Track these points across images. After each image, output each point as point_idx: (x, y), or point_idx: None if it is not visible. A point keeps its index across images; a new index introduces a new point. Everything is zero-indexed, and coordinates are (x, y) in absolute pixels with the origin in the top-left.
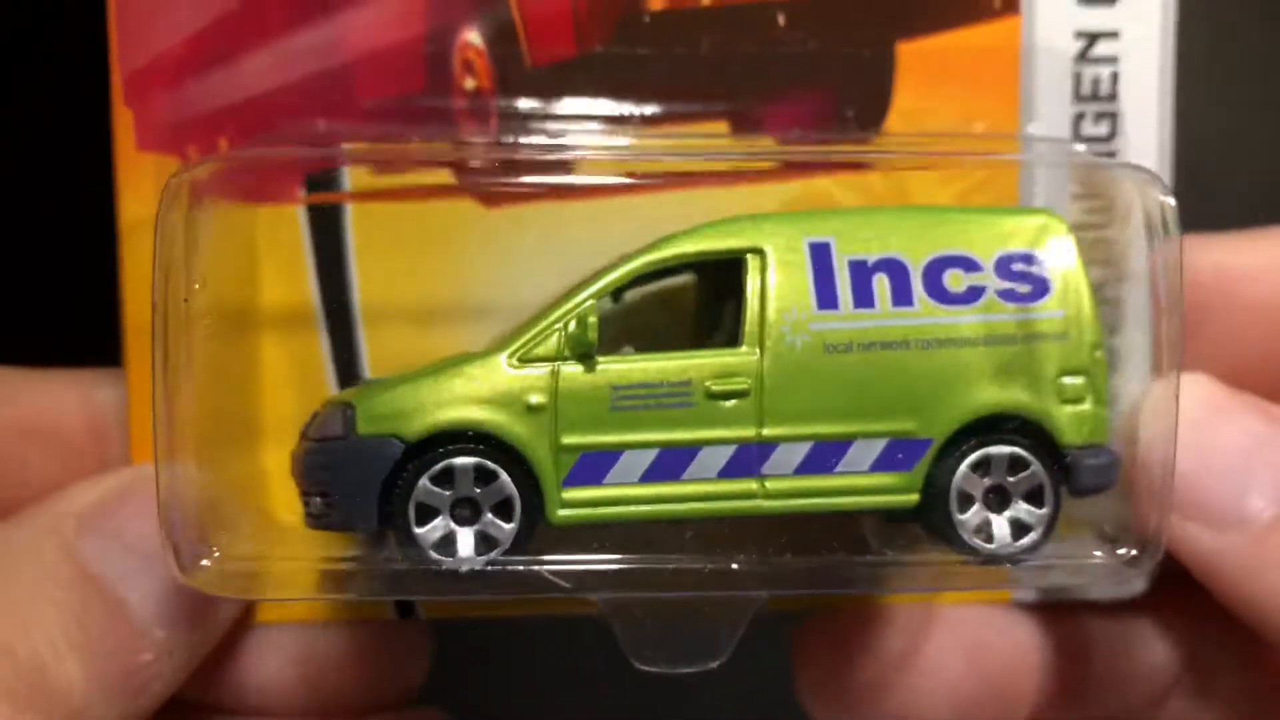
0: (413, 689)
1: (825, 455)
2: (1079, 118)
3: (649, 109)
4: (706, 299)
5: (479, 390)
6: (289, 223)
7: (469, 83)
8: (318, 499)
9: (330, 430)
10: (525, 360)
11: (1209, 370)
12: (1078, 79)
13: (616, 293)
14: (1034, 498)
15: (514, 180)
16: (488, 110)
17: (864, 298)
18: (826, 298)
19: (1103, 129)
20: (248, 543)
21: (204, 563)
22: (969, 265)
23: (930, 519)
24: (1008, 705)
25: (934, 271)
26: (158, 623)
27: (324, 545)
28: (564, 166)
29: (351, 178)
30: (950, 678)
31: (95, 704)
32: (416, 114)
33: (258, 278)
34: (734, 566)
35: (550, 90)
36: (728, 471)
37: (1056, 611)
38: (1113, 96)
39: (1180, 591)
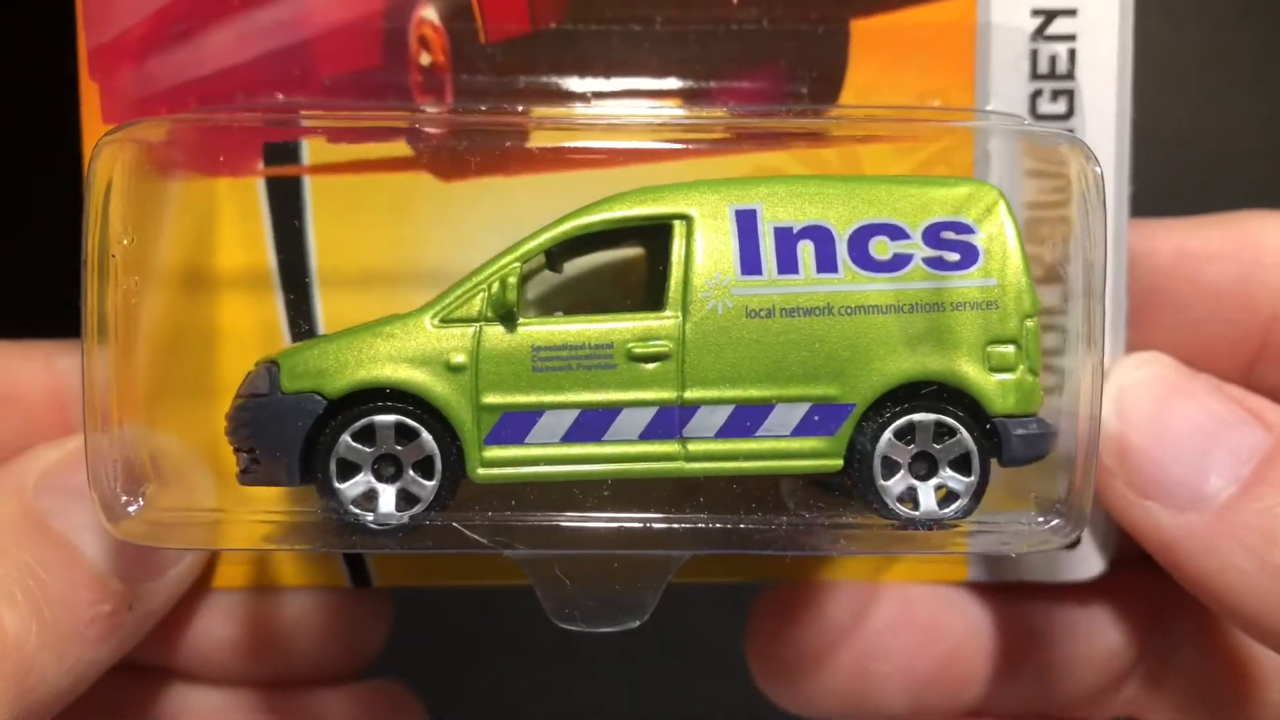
0: (369, 657)
1: (747, 418)
2: (1036, 95)
3: (602, 84)
4: (651, 270)
5: (401, 349)
6: (249, 194)
7: (425, 58)
8: (245, 455)
9: (256, 388)
10: (448, 321)
11: (1170, 353)
12: (1034, 56)
13: (554, 261)
14: (961, 465)
15: (469, 148)
16: (443, 85)
17: (788, 264)
18: (750, 263)
19: (1060, 106)
20: (180, 496)
21: (130, 511)
22: (896, 233)
23: (854, 484)
24: (960, 685)
25: (860, 239)
26: (116, 574)
27: (270, 501)
28: (518, 134)
29: (310, 151)
30: (902, 656)
31: (48, 652)
32: (374, 89)
33: (215, 244)
34: (653, 526)
35: (505, 66)
36: (649, 433)
37: (1013, 593)
38: (1070, 75)
39: (1137, 575)
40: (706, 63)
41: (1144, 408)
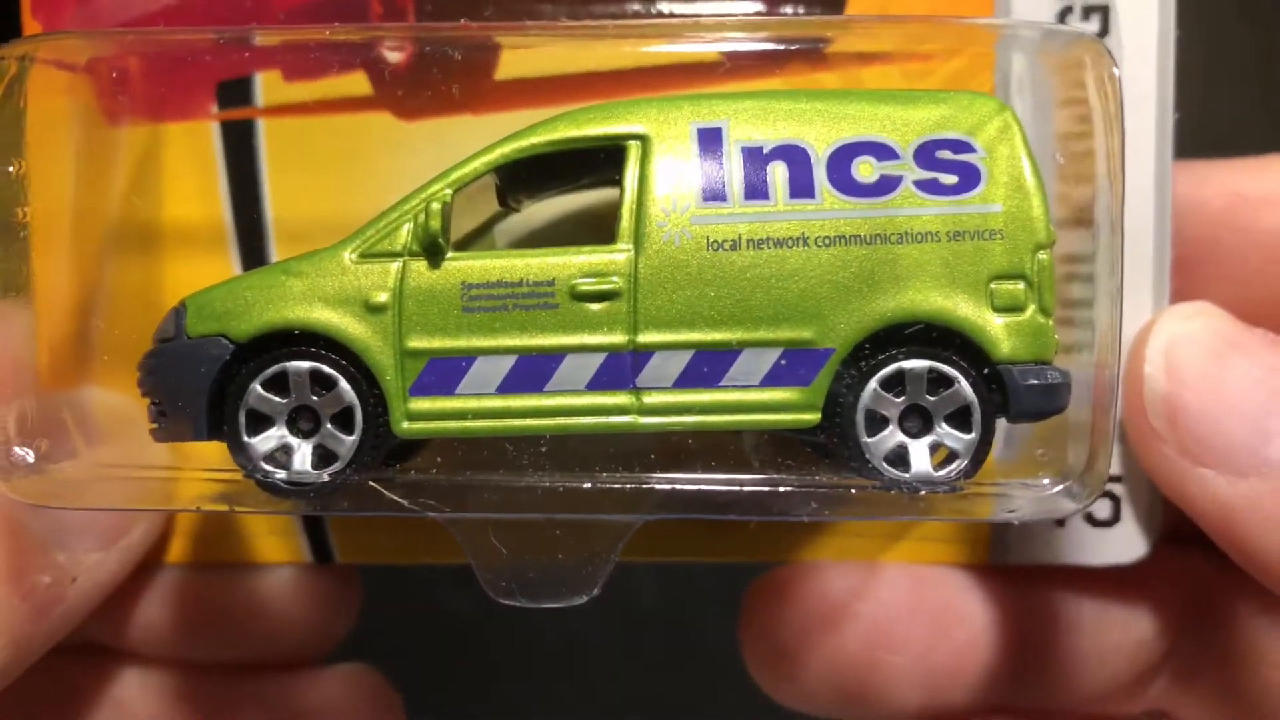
0: (335, 639)
1: (709, 366)
2: (1065, 12)
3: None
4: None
5: (316, 287)
6: (200, 136)
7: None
8: (154, 407)
9: (164, 332)
10: (369, 255)
11: (1221, 306)
12: (1067, 10)
13: (505, 196)
14: (960, 420)
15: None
16: (405, 15)
17: (757, 189)
18: (714, 189)
19: (1093, 26)
20: (83, 453)
21: (22, 468)
22: (883, 152)
23: (833, 441)
24: (978, 679)
25: (841, 159)
26: (58, 545)
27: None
28: (488, 48)
29: (264, 90)
30: (915, 647)
31: None
32: (333, 19)
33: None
34: (600, 486)
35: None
36: (598, 383)
37: (1035, 578)
38: None
39: (1168, 558)
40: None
41: (1197, 365)
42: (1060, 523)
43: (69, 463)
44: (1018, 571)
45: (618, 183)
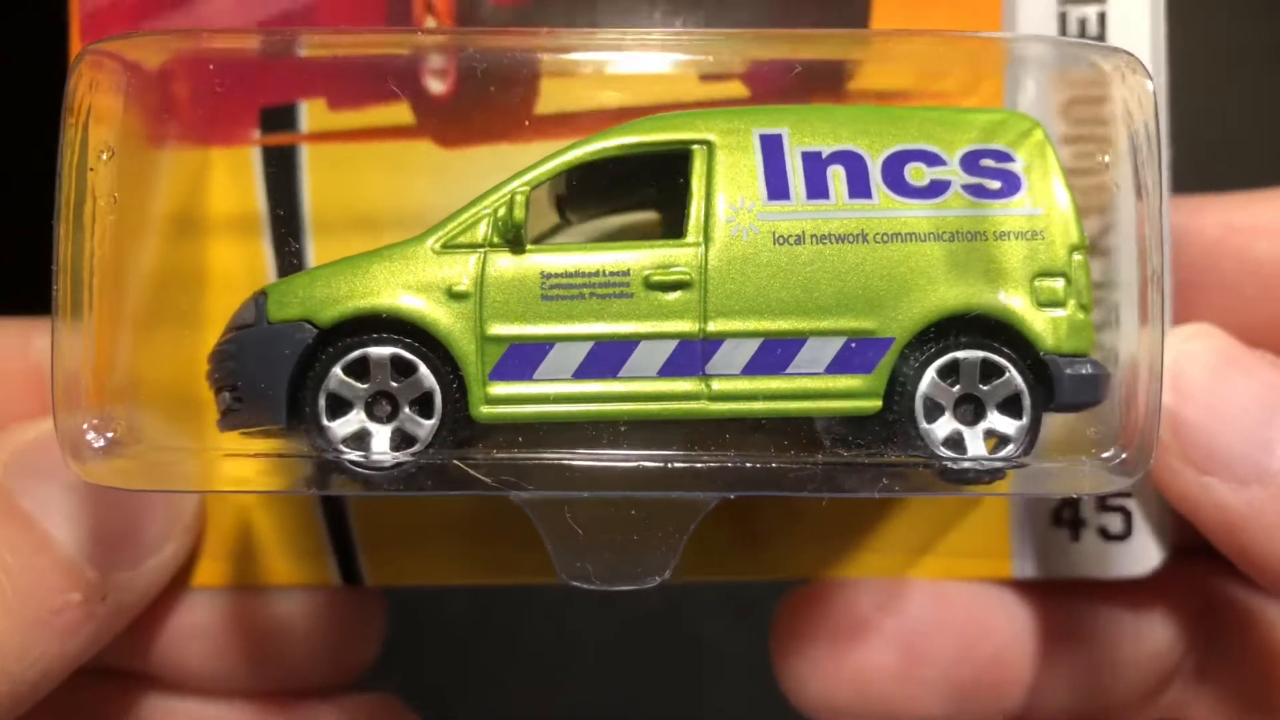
0: (362, 665)
1: (776, 353)
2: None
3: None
4: (666, 216)
5: (399, 276)
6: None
7: (430, 22)
8: (228, 394)
9: (242, 319)
10: (450, 247)
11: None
12: (1063, 19)
13: (564, 208)
14: (1011, 408)
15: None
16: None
17: (818, 189)
18: (777, 188)
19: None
20: (152, 436)
21: (97, 447)
22: (932, 159)
23: (894, 427)
24: (1003, 690)
25: (894, 164)
26: (89, 563)
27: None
28: (531, 66)
29: (309, 117)
30: (943, 660)
31: (12, 640)
32: None
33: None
34: (674, 465)
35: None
36: (669, 369)
37: (1054, 591)
38: (1100, 39)
39: (1180, 570)
40: (726, 23)
41: (1200, 380)
42: (1076, 534)
43: (141, 446)
44: (1037, 586)
45: (661, 195)
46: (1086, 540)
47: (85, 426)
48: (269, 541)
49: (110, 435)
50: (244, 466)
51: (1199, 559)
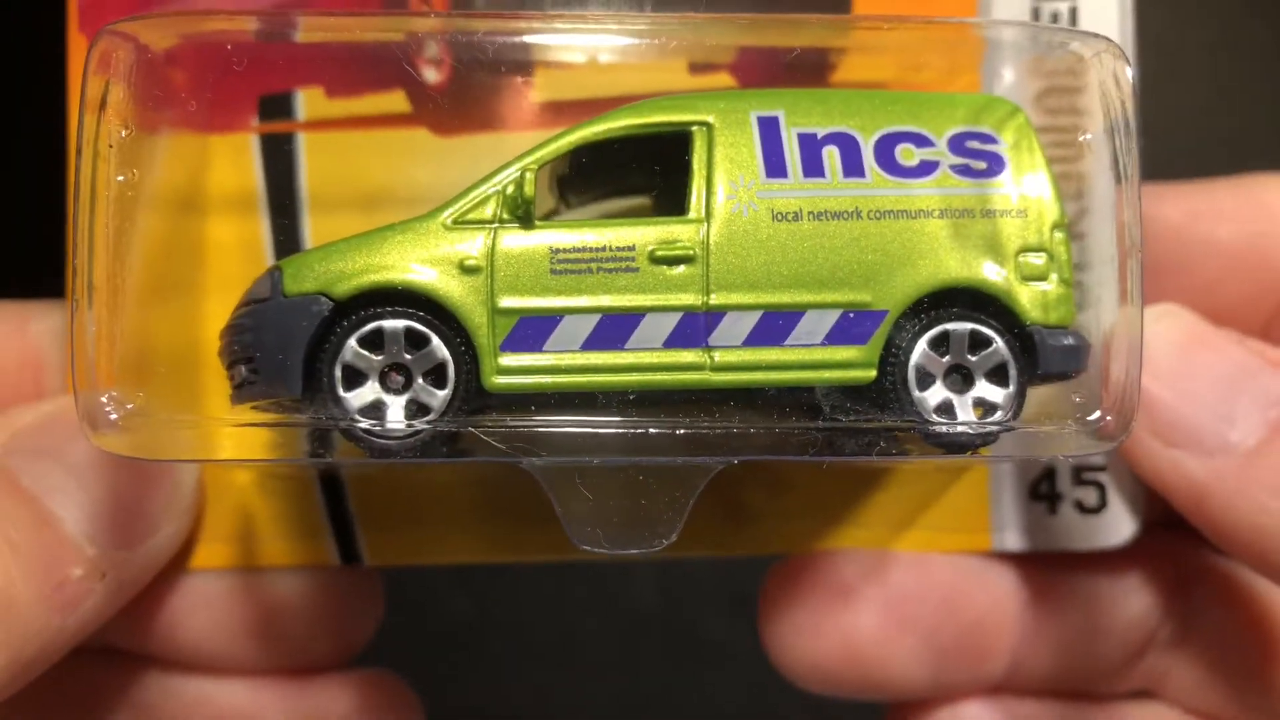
0: (359, 643)
1: (776, 325)
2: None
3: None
4: (663, 199)
5: (412, 251)
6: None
7: (424, 8)
8: (242, 366)
9: (257, 293)
10: (461, 223)
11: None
12: (1036, 15)
13: (565, 191)
14: (998, 376)
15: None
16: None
17: (814, 168)
18: (775, 166)
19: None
20: (165, 405)
21: (113, 419)
22: (921, 141)
23: (888, 395)
24: (984, 659)
25: (886, 145)
26: (89, 540)
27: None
28: (523, 49)
29: (306, 104)
30: (924, 628)
31: (12, 613)
32: None
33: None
34: (680, 432)
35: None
36: (674, 341)
37: (1035, 562)
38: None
39: (1156, 541)
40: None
41: (1167, 357)
42: (1053, 508)
43: (157, 417)
44: (1017, 557)
45: (659, 180)
46: (1063, 513)
47: (104, 400)
48: (268, 522)
49: (130, 407)
50: (259, 438)
51: (1176, 532)
